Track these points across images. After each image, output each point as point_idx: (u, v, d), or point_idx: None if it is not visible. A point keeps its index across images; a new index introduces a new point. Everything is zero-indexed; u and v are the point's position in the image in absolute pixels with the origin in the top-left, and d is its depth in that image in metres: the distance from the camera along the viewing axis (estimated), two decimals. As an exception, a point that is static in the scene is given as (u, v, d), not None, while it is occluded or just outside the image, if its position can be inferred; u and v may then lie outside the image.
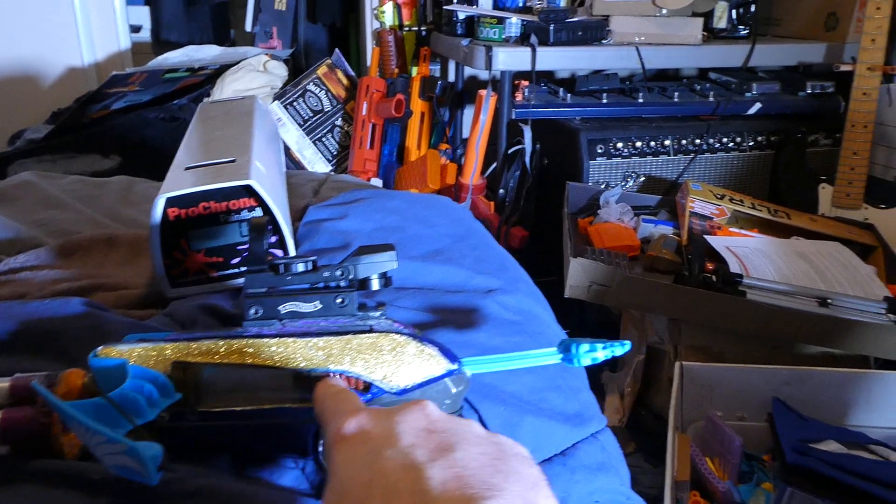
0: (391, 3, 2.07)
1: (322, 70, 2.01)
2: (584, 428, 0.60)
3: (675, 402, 1.20)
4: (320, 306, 0.50)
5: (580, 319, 1.71)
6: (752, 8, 1.89)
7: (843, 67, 1.71)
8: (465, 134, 1.99)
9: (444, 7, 1.87)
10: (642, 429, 1.44)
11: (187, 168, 0.69)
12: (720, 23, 1.90)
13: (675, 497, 1.06)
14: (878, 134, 1.72)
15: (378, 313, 0.51)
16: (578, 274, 1.33)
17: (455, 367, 0.49)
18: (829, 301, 1.30)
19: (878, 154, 1.75)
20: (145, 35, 2.51)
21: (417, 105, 1.92)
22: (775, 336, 1.31)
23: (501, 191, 1.79)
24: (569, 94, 1.80)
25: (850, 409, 1.23)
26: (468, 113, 2.03)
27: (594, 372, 1.57)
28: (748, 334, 1.31)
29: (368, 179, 1.88)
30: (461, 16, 1.83)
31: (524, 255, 1.77)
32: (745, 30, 1.91)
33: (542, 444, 0.57)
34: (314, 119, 1.99)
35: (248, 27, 2.25)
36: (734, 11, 1.88)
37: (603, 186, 1.71)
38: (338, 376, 0.46)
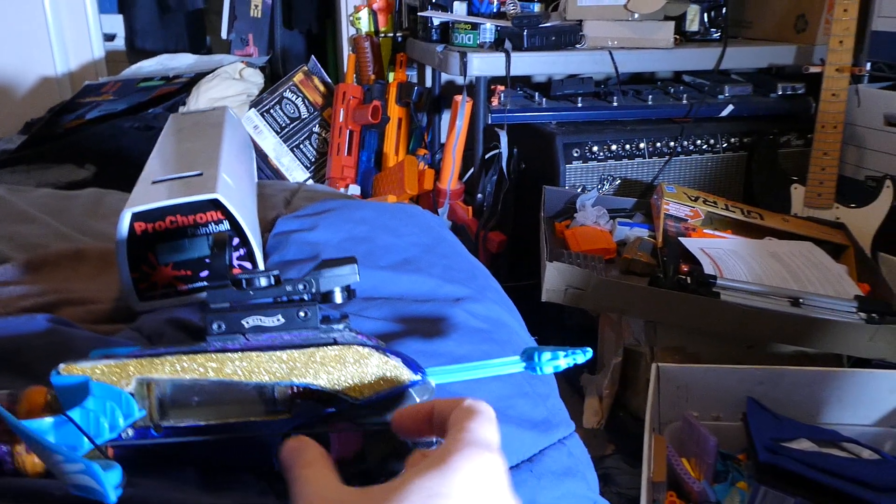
0: (366, 9, 2.07)
1: (298, 77, 2.01)
2: (552, 434, 0.60)
3: (651, 403, 1.21)
4: (283, 320, 0.50)
5: (558, 322, 1.72)
6: (724, 11, 1.91)
7: (813, 69, 1.74)
8: (444, 139, 2.00)
9: (419, 13, 1.88)
10: (621, 430, 1.45)
11: (154, 182, 0.69)
12: (692, 26, 1.93)
13: (651, 498, 1.07)
14: (847, 134, 1.75)
15: (342, 325, 0.51)
16: (555, 278, 1.34)
17: (418, 377, 0.50)
18: (801, 301, 1.32)
19: (849, 154, 1.78)
20: (119, 43, 2.49)
21: (395, 111, 1.92)
22: (749, 336, 1.33)
23: (479, 195, 1.79)
24: (544, 99, 1.81)
25: (822, 408, 1.25)
26: (446, 118, 2.04)
27: (573, 374, 1.58)
28: (723, 335, 1.33)
29: (346, 186, 1.88)
30: (436, 22, 1.84)
31: (502, 259, 1.78)
32: (716, 33, 1.93)
33: (509, 451, 0.58)
34: (291, 126, 1.98)
35: (224, 34, 2.24)
36: (706, 14, 1.91)
37: (579, 190, 1.72)
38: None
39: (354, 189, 1.87)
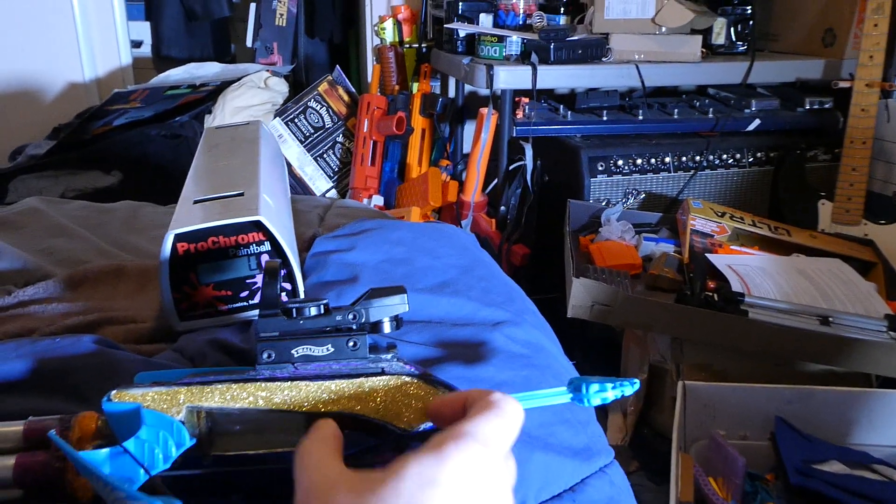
0: (391, 19, 2.08)
1: (323, 86, 2.02)
2: (593, 462, 0.60)
3: (678, 421, 1.20)
4: (332, 350, 0.50)
5: (582, 337, 1.71)
6: (751, 24, 1.90)
7: (842, 84, 1.72)
8: (466, 150, 2.00)
9: (445, 25, 1.88)
10: (645, 447, 1.44)
11: (196, 201, 0.69)
12: (719, 39, 1.92)
13: (679, 519, 1.06)
14: (876, 149, 1.73)
15: (389, 355, 0.51)
16: (581, 294, 1.34)
17: (465, 407, 0.50)
18: (830, 319, 1.30)
19: (877, 170, 1.76)
20: (146, 50, 2.52)
21: (418, 122, 1.92)
22: (777, 354, 1.32)
23: (503, 208, 1.79)
24: (569, 112, 1.81)
25: (852, 428, 1.23)
26: (469, 129, 2.04)
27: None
28: (750, 353, 1.32)
29: (370, 196, 1.88)
30: (462, 34, 1.84)
31: (526, 272, 1.78)
32: (743, 46, 1.92)
33: (552, 480, 0.57)
34: (315, 135, 1.99)
35: (249, 43, 2.26)
36: (732, 28, 1.90)
37: (604, 204, 1.72)
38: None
39: (378, 200, 1.88)
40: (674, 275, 1.44)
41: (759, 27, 1.99)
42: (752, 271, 1.43)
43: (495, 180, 1.82)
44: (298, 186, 1.97)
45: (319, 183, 1.98)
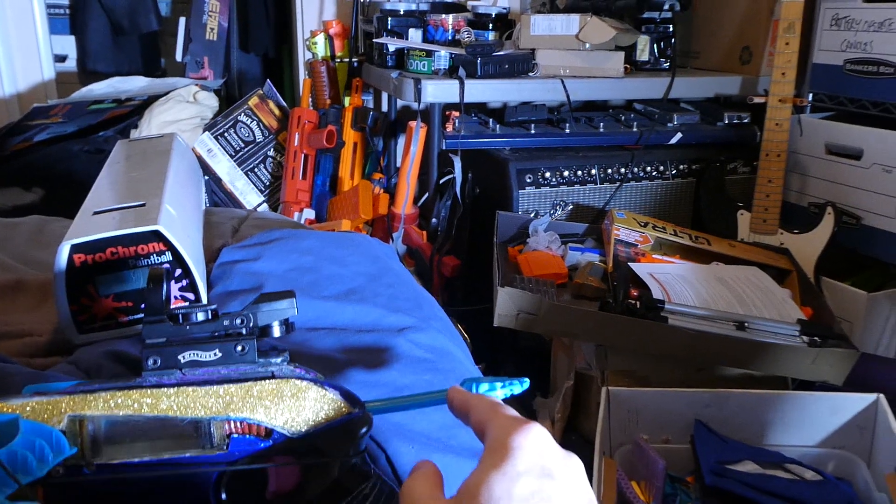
0: (323, 34, 2.08)
1: (253, 101, 2.01)
2: (494, 463, 0.61)
3: (601, 426, 1.23)
4: (220, 355, 0.50)
5: (513, 346, 1.73)
6: (672, 42, 1.97)
7: (757, 99, 1.79)
8: (399, 164, 2.01)
9: (375, 40, 1.90)
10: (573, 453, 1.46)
11: (96, 212, 0.68)
12: (642, 56, 1.98)
13: (600, 522, 1.08)
14: (791, 162, 1.81)
15: (279, 359, 0.51)
16: (506, 303, 1.35)
17: (357, 410, 0.50)
18: (746, 325, 1.35)
19: (793, 181, 1.84)
20: (71, 65, 2.46)
21: (350, 135, 1.93)
22: (697, 359, 1.36)
23: (434, 220, 1.81)
24: (498, 125, 1.84)
25: (767, 429, 1.27)
26: (402, 143, 2.05)
27: (525, 398, 1.59)
28: (672, 358, 1.36)
29: (301, 210, 1.87)
30: (391, 48, 1.86)
31: (457, 283, 1.79)
32: (666, 63, 1.99)
33: (451, 481, 0.58)
34: (246, 150, 1.98)
35: (179, 57, 2.23)
36: (655, 45, 1.96)
37: (532, 215, 1.75)
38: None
39: (309, 213, 1.87)
40: (598, 283, 1.47)
41: (680, 45, 2.06)
42: (673, 279, 1.47)
43: (427, 193, 1.83)
44: (229, 201, 1.94)
45: (251, 197, 1.96)
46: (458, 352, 0.71)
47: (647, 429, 1.29)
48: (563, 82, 1.76)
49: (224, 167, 1.93)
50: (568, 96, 1.76)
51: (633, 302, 1.38)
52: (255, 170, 1.98)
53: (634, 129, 1.87)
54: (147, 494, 0.49)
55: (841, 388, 1.29)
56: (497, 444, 0.37)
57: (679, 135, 1.87)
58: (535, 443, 0.36)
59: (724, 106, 1.99)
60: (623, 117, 1.94)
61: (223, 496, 0.49)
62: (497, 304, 1.36)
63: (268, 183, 1.99)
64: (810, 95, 1.82)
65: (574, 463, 0.39)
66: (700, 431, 1.23)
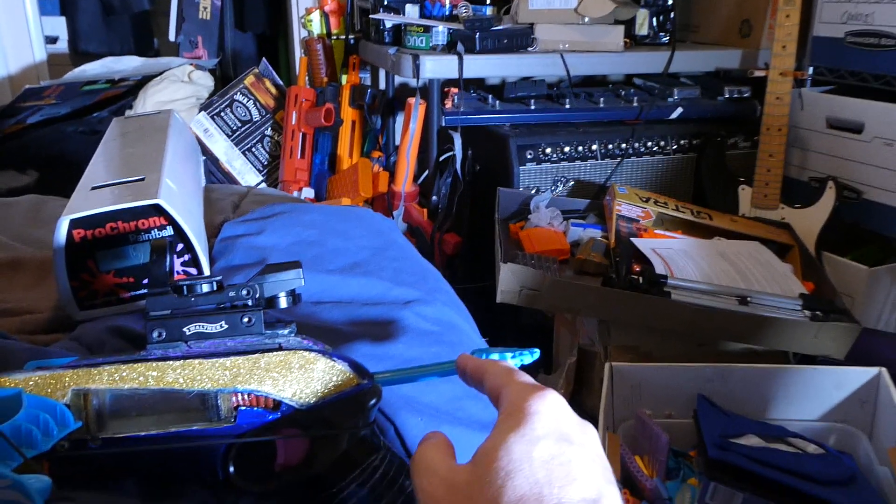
0: (318, 11, 2.06)
1: (249, 80, 1.98)
2: (502, 435, 0.60)
3: (605, 402, 1.22)
4: (226, 326, 0.49)
5: (515, 322, 1.72)
6: (672, 15, 1.95)
7: (757, 73, 1.78)
8: (398, 141, 2.00)
9: (371, 16, 1.87)
10: (576, 430, 1.46)
11: (94, 187, 0.67)
12: (642, 30, 1.96)
13: (605, 496, 1.08)
14: (792, 136, 1.79)
15: (287, 331, 0.50)
16: (509, 279, 1.35)
17: (366, 381, 0.49)
18: (748, 299, 1.35)
19: (793, 156, 1.82)
20: (62, 46, 2.42)
21: (348, 113, 1.91)
22: (700, 334, 1.35)
23: (434, 198, 1.79)
24: (498, 101, 1.82)
25: (769, 404, 1.27)
26: (400, 120, 2.03)
27: (529, 374, 1.59)
28: (674, 333, 1.35)
29: (300, 189, 1.86)
30: (388, 24, 1.83)
31: (458, 260, 1.78)
32: (665, 37, 1.96)
33: (461, 453, 0.57)
34: (243, 129, 1.96)
35: (172, 37, 2.20)
36: (654, 19, 1.94)
37: (533, 191, 1.74)
38: None
39: (308, 192, 1.85)
40: (600, 259, 1.47)
41: (680, 18, 2.04)
42: (676, 254, 1.47)
43: (426, 171, 1.82)
44: (227, 181, 1.93)
45: (249, 177, 1.95)
46: (464, 325, 0.71)
47: (649, 404, 1.29)
48: (562, 57, 1.74)
49: (221, 147, 1.91)
50: (568, 71, 1.75)
51: (636, 277, 1.37)
52: (253, 149, 1.96)
53: (634, 104, 1.86)
54: (153, 468, 0.49)
55: (843, 363, 1.28)
56: (514, 408, 0.36)
57: (679, 109, 1.86)
58: (553, 408, 0.36)
59: (724, 80, 1.97)
60: (623, 92, 1.92)
61: (231, 469, 0.48)
62: (500, 281, 1.35)
63: (266, 162, 1.98)
64: (811, 69, 1.80)
65: (590, 430, 0.38)
66: (703, 406, 1.22)
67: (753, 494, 1.02)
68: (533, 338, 1.70)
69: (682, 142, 1.85)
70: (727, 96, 1.92)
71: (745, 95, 1.93)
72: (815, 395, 1.25)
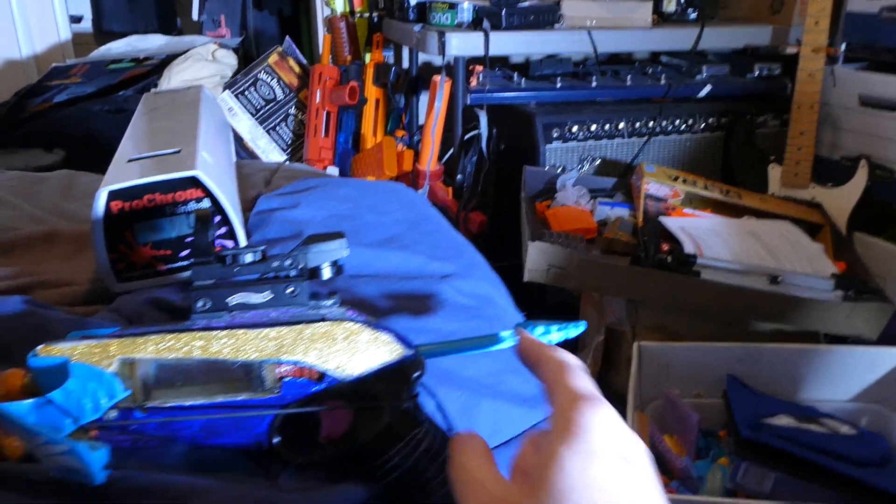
0: (342, -11, 2.04)
1: (273, 58, 1.98)
2: (542, 410, 0.60)
3: (633, 381, 1.22)
4: (271, 297, 0.49)
5: (540, 302, 1.71)
6: (701, -9, 1.92)
7: (789, 50, 1.74)
8: (422, 120, 1.98)
9: (396, -7, 1.86)
10: (602, 410, 1.46)
11: (130, 160, 0.67)
12: (670, 6, 1.92)
13: (634, 475, 1.07)
14: (823, 114, 1.76)
15: (330, 302, 0.50)
16: (537, 257, 1.34)
17: (411, 352, 0.49)
18: (779, 279, 1.33)
19: (825, 134, 1.79)
20: (87, 25, 2.43)
21: (372, 92, 1.90)
22: (729, 314, 1.34)
23: (459, 176, 1.78)
24: (523, 79, 1.80)
25: (800, 384, 1.26)
26: (424, 99, 2.02)
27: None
28: (703, 313, 1.34)
29: (324, 168, 1.85)
30: (412, 1, 1.82)
31: (483, 239, 1.77)
32: (694, 13, 1.93)
33: (500, 427, 0.57)
34: (267, 108, 1.95)
35: (195, 16, 2.20)
36: (683, -5, 1.91)
37: (559, 170, 1.72)
38: None
39: (332, 171, 1.85)
40: (628, 238, 1.45)
41: (709, -6, 2.00)
42: (705, 233, 1.45)
43: (451, 149, 1.81)
44: (249, 160, 1.92)
45: (273, 156, 1.95)
46: (501, 299, 0.70)
47: (677, 383, 1.28)
48: (589, 34, 1.71)
49: (245, 126, 1.91)
50: (595, 48, 1.72)
51: (665, 256, 1.36)
52: (277, 128, 1.96)
53: (662, 82, 1.83)
54: (199, 436, 0.49)
55: (874, 343, 1.27)
56: (565, 418, 0.33)
57: (708, 87, 1.83)
58: (607, 423, 0.33)
59: (753, 57, 1.94)
60: (650, 70, 1.89)
61: (276, 440, 0.48)
62: (527, 259, 1.34)
63: (290, 141, 1.97)
64: (843, 45, 1.76)
65: (642, 446, 0.35)
66: (733, 386, 1.21)
67: (786, 474, 1.01)
68: (558, 317, 1.69)
69: (710, 120, 1.83)
70: (757, 74, 1.88)
71: (776, 73, 1.89)
72: (847, 375, 1.23)
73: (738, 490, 1.05)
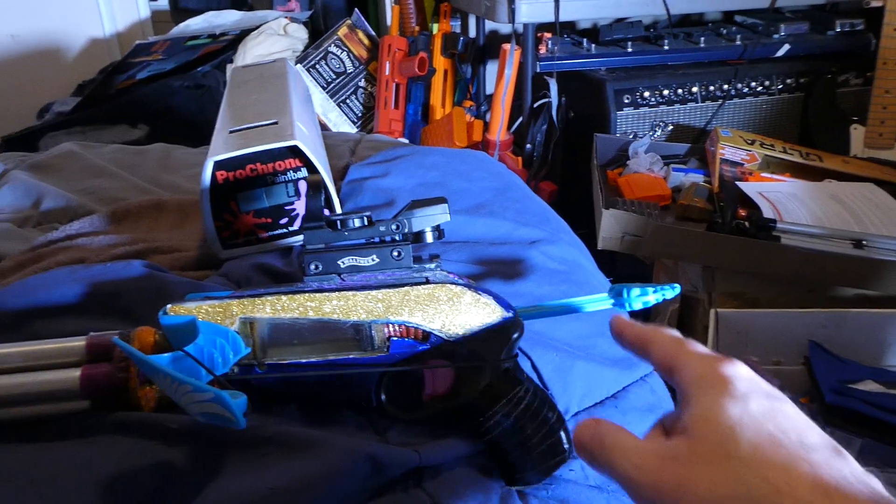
0: (409, -41, 2.04)
1: (343, 31, 2.00)
2: (633, 371, 0.61)
3: (710, 349, 1.21)
4: (377, 260, 0.51)
5: (612, 271, 1.71)
6: (779, -54, 1.84)
7: (873, 3, 1.67)
8: (489, 90, 1.98)
9: (464, -40, 1.85)
10: (677, 377, 1.45)
11: (231, 132, 0.70)
12: (745, -36, 1.86)
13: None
14: (911, 71, 1.68)
15: (433, 265, 0.52)
16: (611, 225, 1.34)
17: (510, 314, 0.51)
18: (864, 242, 1.29)
19: (912, 92, 1.71)
20: (164, 3, 2.50)
21: (440, 62, 1.90)
22: (810, 280, 1.31)
23: (528, 146, 1.78)
24: (593, 45, 1.78)
25: (886, 350, 1.23)
26: (491, 69, 2.01)
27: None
28: (783, 279, 1.31)
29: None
30: (481, -31, 1.80)
31: (554, 208, 1.77)
32: (771, -30, 1.86)
33: (594, 388, 0.59)
34: (337, 81, 1.98)
35: (266, -10, 2.24)
36: (760, -50, 1.84)
37: (631, 137, 1.70)
38: None
39: (403, 142, 1.87)
40: (704, 204, 1.43)
41: (787, -52, 1.92)
42: (784, 198, 1.42)
43: (520, 118, 1.80)
44: (329, 131, 1.96)
45: (344, 129, 1.98)
46: (588, 265, 0.71)
47: (757, 351, 1.27)
48: (662, -5, 1.68)
49: (317, 99, 1.94)
50: (668, 10, 1.68)
51: (743, 222, 1.34)
52: (347, 101, 1.99)
53: (737, 43, 1.78)
54: (312, 393, 0.52)
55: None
56: (708, 378, 0.35)
57: (786, 46, 1.77)
58: (745, 372, 0.36)
59: (834, 13, 1.86)
60: (724, 31, 1.84)
61: (384, 397, 0.51)
62: (601, 227, 1.34)
63: (360, 114, 2.00)
64: (934, -3, 1.67)
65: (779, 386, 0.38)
66: (816, 352, 1.20)
67: (873, 440, 0.99)
68: (631, 285, 1.68)
69: (788, 81, 1.77)
70: (838, 30, 1.81)
71: (858, 28, 1.81)
72: (936, 342, 1.20)
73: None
